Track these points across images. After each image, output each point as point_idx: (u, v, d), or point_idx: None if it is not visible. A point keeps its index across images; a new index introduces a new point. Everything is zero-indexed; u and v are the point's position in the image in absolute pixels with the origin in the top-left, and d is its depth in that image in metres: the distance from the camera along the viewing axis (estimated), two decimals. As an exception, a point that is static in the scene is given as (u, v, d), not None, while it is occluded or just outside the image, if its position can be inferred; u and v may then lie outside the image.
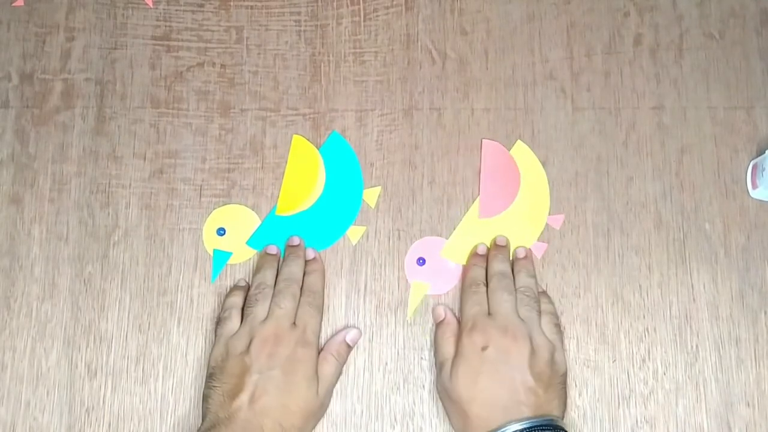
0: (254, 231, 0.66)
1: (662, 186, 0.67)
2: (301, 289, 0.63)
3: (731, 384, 0.63)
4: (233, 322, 0.61)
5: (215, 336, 0.62)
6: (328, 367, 0.61)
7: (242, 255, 0.66)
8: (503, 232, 0.66)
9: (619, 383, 0.63)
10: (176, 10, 0.71)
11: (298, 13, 0.71)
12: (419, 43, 0.70)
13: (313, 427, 0.61)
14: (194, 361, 0.64)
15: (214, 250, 0.66)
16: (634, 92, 0.69)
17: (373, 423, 0.63)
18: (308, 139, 0.68)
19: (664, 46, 0.69)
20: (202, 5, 0.71)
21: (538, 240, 0.66)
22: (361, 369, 0.64)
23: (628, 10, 0.70)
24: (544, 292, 0.64)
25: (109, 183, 0.67)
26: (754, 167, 0.66)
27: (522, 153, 0.67)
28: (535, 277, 0.64)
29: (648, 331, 0.64)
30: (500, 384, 0.57)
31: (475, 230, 0.66)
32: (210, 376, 0.59)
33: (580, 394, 0.63)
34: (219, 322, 0.62)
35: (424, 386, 0.63)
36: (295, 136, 0.68)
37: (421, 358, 0.64)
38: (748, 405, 0.62)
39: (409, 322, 0.64)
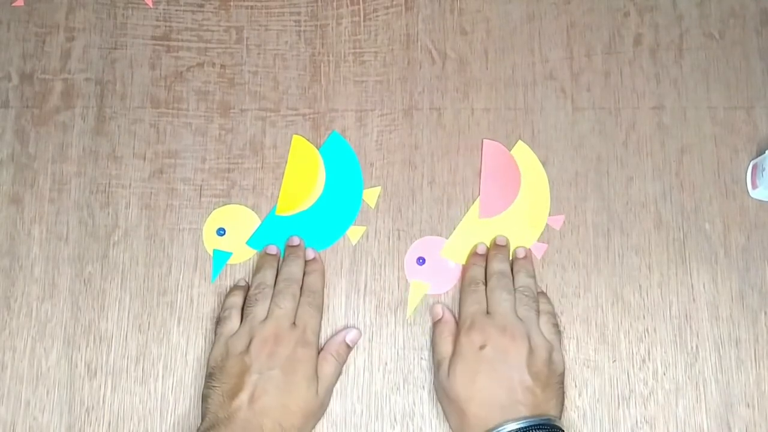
0: (254, 231, 0.66)
1: (662, 186, 0.67)
2: (301, 289, 0.63)
3: (731, 384, 0.63)
4: (233, 321, 0.61)
5: (215, 336, 0.62)
6: (327, 367, 0.61)
7: (242, 255, 0.66)
8: (503, 232, 0.66)
9: (619, 383, 0.63)
10: (176, 10, 0.71)
11: (298, 13, 0.71)
12: (419, 43, 0.70)
13: (313, 427, 0.61)
14: (194, 360, 0.64)
15: (214, 250, 0.66)
16: (634, 92, 0.69)
17: (373, 423, 0.63)
18: (308, 139, 0.68)
19: (664, 46, 0.69)
20: (202, 5, 0.71)
21: (538, 240, 0.66)
22: (361, 369, 0.64)
23: (628, 10, 0.70)
24: (543, 293, 0.64)
25: (109, 183, 0.67)
26: (754, 167, 0.66)
27: (523, 153, 0.67)
28: (534, 277, 0.64)
29: (648, 332, 0.64)
30: (498, 383, 0.57)
31: (475, 230, 0.66)
32: (209, 376, 0.59)
33: (580, 394, 0.63)
34: (219, 321, 0.62)
35: (424, 386, 0.63)
36: (294, 136, 0.68)
37: (421, 358, 0.64)
38: (748, 406, 0.62)
39: (408, 321, 0.64)
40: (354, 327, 0.64)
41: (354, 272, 0.65)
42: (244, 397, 0.57)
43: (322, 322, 0.64)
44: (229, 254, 0.66)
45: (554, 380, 0.59)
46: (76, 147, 0.68)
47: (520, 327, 0.59)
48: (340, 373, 0.62)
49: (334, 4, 0.71)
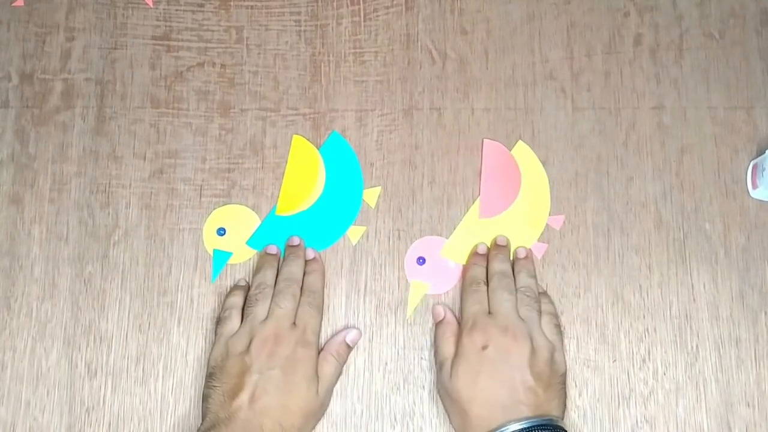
0: (254, 231, 0.66)
1: (662, 186, 0.67)
2: (301, 289, 0.63)
3: (731, 384, 0.63)
4: (233, 321, 0.61)
5: (215, 336, 0.62)
6: (328, 367, 0.61)
7: (242, 255, 0.66)
8: (503, 232, 0.66)
9: (619, 383, 0.63)
10: (176, 10, 0.71)
11: (298, 13, 0.71)
12: (419, 43, 0.70)
13: (313, 427, 0.61)
14: (194, 361, 0.64)
15: (214, 250, 0.66)
16: (634, 92, 0.69)
17: (373, 423, 0.63)
18: (308, 139, 0.68)
19: (664, 46, 0.69)
20: (202, 5, 0.71)
21: (539, 240, 0.66)
22: (361, 369, 0.64)
23: (628, 10, 0.70)
24: (545, 293, 0.64)
25: (109, 183, 0.67)
26: (754, 167, 0.66)
27: (523, 153, 0.67)
28: (535, 277, 0.64)
29: (648, 331, 0.64)
30: (500, 383, 0.57)
31: (475, 230, 0.66)
32: (210, 376, 0.59)
33: (580, 394, 0.63)
34: (219, 321, 0.62)
35: (424, 386, 0.63)
36: (295, 136, 0.68)
37: (421, 358, 0.64)
38: (748, 405, 0.62)
39: (409, 321, 0.64)
40: (354, 327, 0.64)
41: (354, 272, 0.65)
42: (244, 397, 0.57)
43: (322, 322, 0.64)
44: (229, 254, 0.66)
45: (556, 380, 0.59)
46: (76, 147, 0.68)
47: (522, 327, 0.59)
48: (340, 373, 0.62)
49: (335, 4, 0.71)
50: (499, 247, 0.65)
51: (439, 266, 0.66)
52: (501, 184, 0.67)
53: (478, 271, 0.64)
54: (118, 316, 0.64)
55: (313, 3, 0.71)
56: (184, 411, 0.63)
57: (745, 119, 0.68)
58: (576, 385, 0.63)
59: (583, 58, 0.69)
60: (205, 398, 0.58)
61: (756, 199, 0.66)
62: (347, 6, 0.71)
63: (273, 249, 0.65)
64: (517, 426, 0.55)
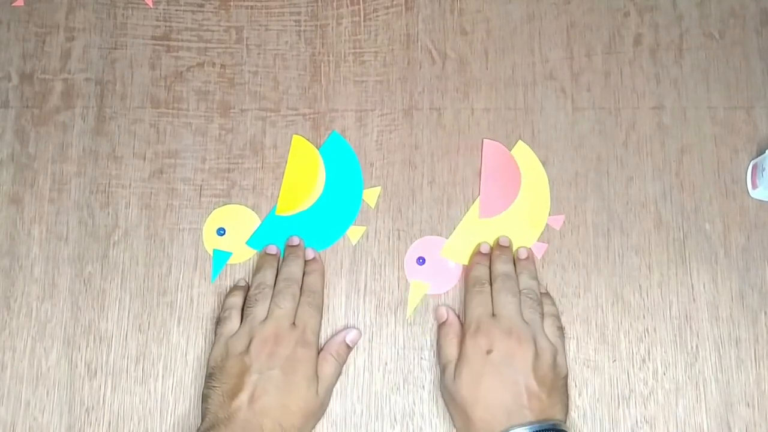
0: (254, 231, 0.66)
1: (662, 186, 0.67)
2: (301, 289, 0.63)
3: (731, 384, 0.63)
4: (233, 322, 0.61)
5: (215, 336, 0.62)
6: (327, 367, 0.61)
7: (242, 255, 0.66)
8: (503, 232, 0.66)
9: (619, 383, 0.63)
10: (176, 10, 0.71)
11: (298, 13, 0.71)
12: (419, 43, 0.70)
13: (313, 427, 0.61)
14: (194, 360, 0.64)
15: (214, 250, 0.66)
16: (634, 92, 0.69)
17: (373, 423, 0.63)
18: (308, 139, 0.68)
19: (664, 46, 0.69)
20: (202, 5, 0.71)
21: (539, 240, 0.66)
22: (361, 369, 0.64)
23: (628, 10, 0.70)
24: (547, 294, 0.64)
25: (109, 183, 0.67)
26: (754, 167, 0.66)
27: (523, 153, 0.67)
28: (537, 278, 0.64)
29: (648, 331, 0.64)
30: (504, 388, 0.57)
31: (475, 230, 0.66)
32: (209, 376, 0.59)
33: (580, 394, 0.63)
34: (219, 321, 0.62)
35: (424, 386, 0.63)
36: (295, 136, 0.68)
37: (421, 358, 0.64)
38: (748, 405, 0.62)
39: (409, 321, 0.64)
40: (354, 327, 0.64)
41: (354, 272, 0.65)
42: (244, 397, 0.57)
43: (322, 322, 0.64)
44: (229, 254, 0.66)
45: (559, 383, 0.58)
46: (76, 147, 0.68)
47: (526, 330, 0.59)
48: (340, 374, 0.62)
49: (334, 4, 0.71)
50: (502, 247, 0.65)
51: (439, 266, 0.66)
52: (501, 184, 0.67)
53: (482, 271, 0.63)
54: (118, 316, 0.64)
55: (313, 3, 0.71)
56: (184, 410, 0.63)
57: (745, 119, 0.68)
58: (576, 385, 0.63)
59: (583, 58, 0.69)
60: (205, 398, 0.58)
61: (756, 199, 0.66)
62: (347, 6, 0.71)
63: (273, 249, 0.65)
64: (521, 430, 0.55)
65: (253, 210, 0.67)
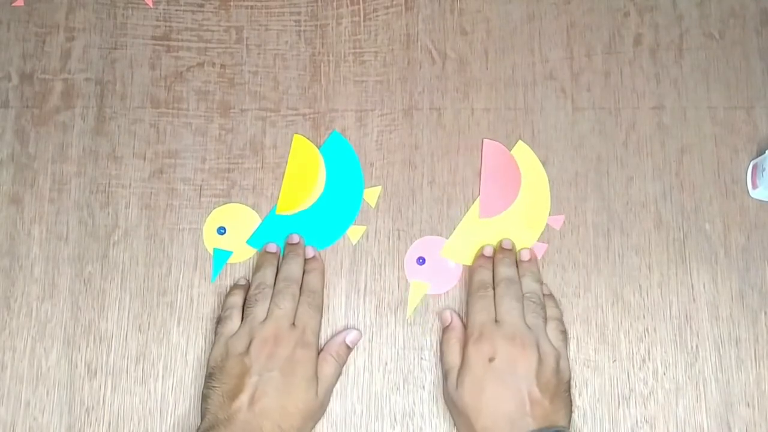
0: (255, 230, 0.66)
1: (662, 186, 0.67)
2: (301, 288, 0.63)
3: (731, 384, 0.63)
4: (233, 321, 0.61)
5: (215, 335, 0.62)
6: (327, 368, 0.60)
7: (242, 254, 0.66)
8: (503, 232, 0.66)
9: (619, 383, 0.63)
10: (176, 10, 0.71)
11: (298, 13, 0.71)
12: (419, 43, 0.70)
13: (312, 428, 0.61)
14: (194, 360, 0.64)
15: (215, 249, 0.66)
16: (634, 92, 0.69)
17: (373, 423, 0.63)
18: (308, 139, 0.68)
19: (664, 46, 0.69)
20: (202, 5, 0.71)
21: (539, 240, 0.66)
22: (361, 369, 0.64)
23: (628, 10, 0.70)
24: (551, 295, 0.64)
25: (109, 183, 0.67)
26: (754, 167, 0.66)
27: (523, 153, 0.67)
28: (540, 281, 0.63)
29: (648, 331, 0.64)
30: (507, 396, 0.56)
31: (475, 230, 0.66)
32: (209, 376, 0.59)
33: (580, 394, 0.63)
34: (219, 321, 0.62)
35: (424, 386, 0.63)
36: (295, 135, 0.68)
37: (421, 358, 0.64)
38: (748, 405, 0.62)
39: (409, 321, 0.64)
40: (354, 328, 0.64)
41: (354, 272, 0.65)
42: (244, 398, 0.57)
43: (322, 322, 0.64)
44: (229, 253, 0.66)
45: (562, 389, 0.58)
46: (76, 147, 0.68)
47: (529, 336, 0.58)
48: (340, 374, 0.62)
49: (334, 4, 0.71)
50: (504, 251, 0.65)
51: (439, 266, 0.66)
52: (501, 184, 0.67)
53: (485, 275, 0.63)
54: (118, 316, 0.64)
55: (313, 3, 0.71)
56: (184, 411, 0.63)
57: (745, 119, 0.68)
58: (576, 385, 0.63)
59: (583, 58, 0.69)
60: (205, 398, 0.58)
61: (756, 199, 0.66)
62: (347, 6, 0.71)
63: (272, 247, 0.65)
64: None
65: (253, 210, 0.67)
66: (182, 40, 0.70)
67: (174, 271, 0.65)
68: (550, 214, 0.66)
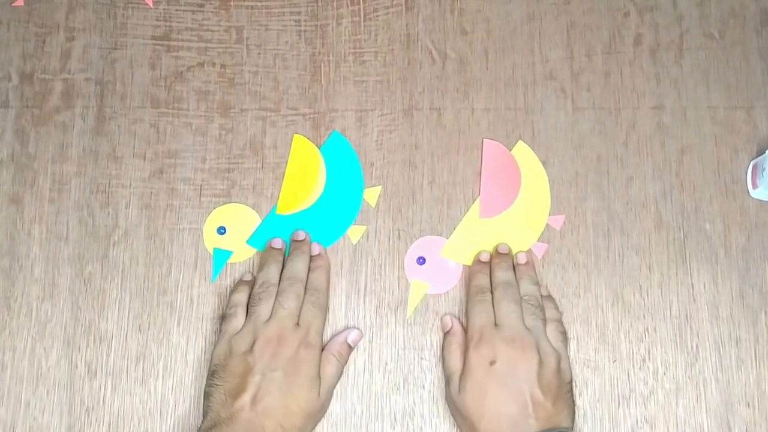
0: (255, 230, 0.66)
1: (662, 186, 0.67)
2: (305, 286, 0.62)
3: (731, 384, 0.63)
4: (238, 319, 0.61)
5: (219, 332, 0.62)
6: (329, 368, 0.60)
7: (243, 254, 0.66)
8: (503, 232, 0.66)
9: (619, 383, 0.63)
10: (176, 10, 0.71)
11: (298, 13, 0.71)
12: (419, 43, 0.70)
13: (313, 428, 0.61)
14: (194, 360, 0.64)
15: (215, 248, 0.66)
16: (634, 92, 0.69)
17: (373, 423, 0.63)
18: (308, 139, 0.68)
19: (664, 46, 0.69)
20: (202, 5, 0.71)
21: (539, 240, 0.66)
22: (361, 369, 0.64)
23: (628, 10, 0.70)
24: (549, 297, 0.64)
25: (109, 183, 0.67)
26: (754, 167, 0.66)
27: (523, 153, 0.67)
28: (538, 283, 0.64)
29: (648, 331, 0.64)
30: (509, 399, 0.56)
31: (475, 230, 0.66)
32: (212, 374, 0.59)
33: (580, 394, 0.63)
34: (224, 318, 0.62)
35: (424, 386, 0.63)
36: (296, 135, 0.68)
37: (421, 358, 0.64)
38: (748, 405, 0.62)
39: (409, 322, 0.64)
40: (355, 327, 0.64)
41: (354, 272, 0.65)
42: (246, 397, 0.57)
43: (322, 322, 0.64)
44: (229, 253, 0.66)
45: (564, 390, 0.58)
46: (76, 147, 0.68)
47: (528, 338, 0.58)
48: (341, 374, 0.62)
49: (334, 4, 0.71)
50: (501, 255, 0.65)
51: (439, 266, 0.66)
52: (501, 184, 0.67)
53: (483, 280, 0.63)
54: (118, 316, 0.64)
55: (313, 3, 0.71)
56: (184, 411, 0.63)
57: (745, 119, 0.68)
58: (576, 385, 0.63)
59: (583, 58, 0.69)
60: (207, 396, 0.58)
61: (756, 199, 0.66)
62: (347, 6, 0.71)
63: (278, 243, 0.65)
64: None
65: (253, 209, 0.67)
66: (182, 40, 0.70)
67: (174, 271, 0.65)
68: (550, 214, 0.66)
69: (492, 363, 0.58)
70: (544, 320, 0.61)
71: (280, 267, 0.64)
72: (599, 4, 0.70)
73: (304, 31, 0.70)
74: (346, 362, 0.63)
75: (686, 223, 0.66)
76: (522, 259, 0.64)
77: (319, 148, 0.68)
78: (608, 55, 0.69)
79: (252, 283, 0.63)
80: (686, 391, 0.63)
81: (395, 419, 0.63)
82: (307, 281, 0.63)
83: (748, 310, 0.64)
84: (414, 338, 0.64)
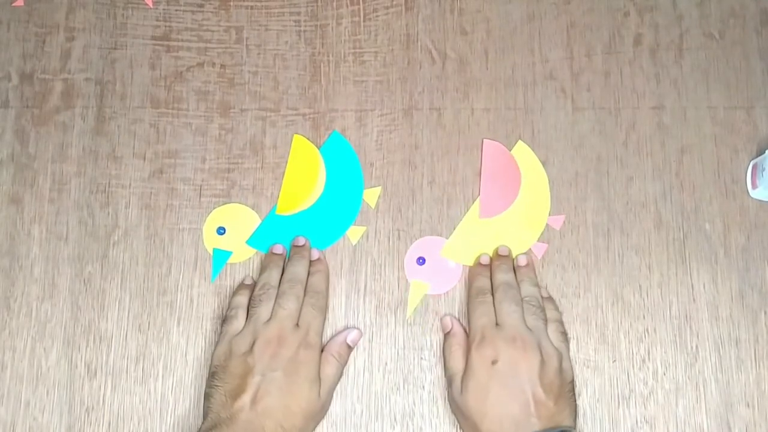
0: (254, 230, 0.66)
1: (662, 186, 0.67)
2: (305, 289, 0.63)
3: (731, 384, 0.63)
4: (239, 320, 0.61)
5: (220, 333, 0.62)
6: (329, 368, 0.61)
7: (242, 254, 0.66)
8: (503, 233, 0.66)
9: (619, 383, 0.63)
10: (176, 10, 0.71)
11: (298, 13, 0.71)
12: (419, 43, 0.70)
13: (314, 429, 0.61)
14: (194, 360, 0.64)
15: (214, 249, 0.66)
16: (634, 92, 0.69)
17: (373, 423, 0.63)
18: (308, 140, 0.68)
19: (664, 46, 0.69)
20: (202, 5, 0.71)
21: (539, 240, 0.66)
22: (361, 369, 0.64)
23: (628, 10, 0.70)
24: (550, 298, 0.64)
25: (109, 183, 0.67)
26: (754, 167, 0.66)
27: (523, 153, 0.67)
28: (538, 285, 0.64)
29: (648, 332, 0.64)
30: (511, 398, 0.56)
31: (475, 230, 0.66)
32: (212, 375, 0.59)
33: (580, 395, 0.63)
34: (225, 320, 0.62)
35: (424, 386, 0.63)
36: (295, 135, 0.68)
37: (421, 358, 0.64)
38: (748, 405, 0.62)
39: (409, 322, 0.64)
40: (355, 327, 0.64)
41: (354, 272, 0.65)
42: (246, 398, 0.57)
43: (322, 322, 0.64)
44: (229, 253, 0.66)
45: (566, 389, 0.58)
46: (76, 147, 0.68)
47: (530, 338, 0.58)
48: (341, 374, 0.62)
49: (334, 4, 0.71)
50: (501, 257, 0.65)
51: (439, 266, 0.66)
52: (501, 184, 0.67)
53: (483, 282, 0.63)
54: (118, 316, 0.64)
55: (313, 3, 0.71)
56: (184, 411, 0.63)
57: (745, 119, 0.68)
58: (576, 385, 0.63)
59: (583, 58, 0.69)
60: (207, 397, 0.58)
61: (756, 199, 0.66)
62: (347, 6, 0.71)
63: (279, 248, 0.65)
64: None
65: (253, 210, 0.67)
66: (182, 40, 0.70)
67: (174, 271, 0.65)
68: (550, 214, 0.66)
69: (494, 363, 0.58)
70: (546, 320, 0.61)
71: (281, 271, 0.64)
72: (599, 4, 0.70)
73: (304, 31, 0.70)
74: (346, 362, 0.63)
75: (686, 223, 0.66)
76: (522, 261, 0.64)
77: (318, 149, 0.68)
78: (608, 55, 0.69)
79: (253, 287, 0.63)
80: (686, 392, 0.63)
81: (395, 419, 0.63)
82: (306, 284, 0.63)
83: (747, 310, 0.64)
84: (414, 338, 0.64)
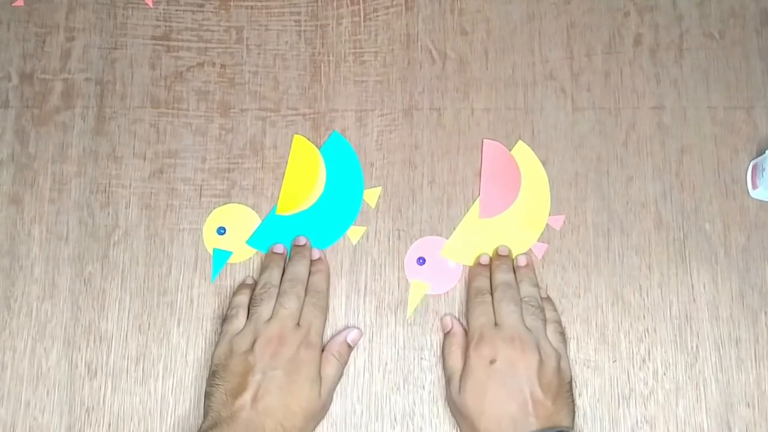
0: (255, 230, 0.66)
1: (662, 186, 0.67)
2: (306, 289, 0.63)
3: (731, 384, 0.63)
4: (239, 320, 0.61)
5: (221, 332, 0.62)
6: (330, 368, 0.61)
7: (242, 254, 0.66)
8: (503, 233, 0.66)
9: (619, 383, 0.63)
10: (176, 10, 0.71)
11: (298, 13, 0.71)
12: (419, 43, 0.70)
13: (314, 428, 0.61)
14: (194, 361, 0.64)
15: (214, 249, 0.66)
16: (634, 92, 0.69)
17: (373, 423, 0.63)
18: (308, 140, 0.68)
19: (664, 46, 0.69)
20: (202, 5, 0.71)
21: (539, 240, 0.66)
22: (361, 369, 0.64)
23: (628, 10, 0.70)
24: (549, 299, 0.64)
25: (109, 183, 0.67)
26: (754, 167, 0.66)
27: (523, 153, 0.67)
28: (537, 285, 0.64)
29: (648, 331, 0.64)
30: (509, 398, 0.57)
31: (475, 230, 0.66)
32: (213, 374, 0.59)
33: (580, 394, 0.63)
34: (226, 319, 0.62)
35: (424, 386, 0.63)
36: (296, 135, 0.68)
37: (421, 358, 0.64)
38: (748, 405, 0.62)
39: (409, 322, 0.64)
40: (355, 327, 0.64)
41: (354, 272, 0.65)
42: (247, 397, 0.57)
43: (322, 322, 0.64)
44: (229, 253, 0.66)
45: (564, 389, 0.58)
46: (76, 147, 0.68)
47: (529, 338, 0.59)
48: (342, 374, 0.62)
49: (334, 4, 0.71)
50: (501, 257, 0.65)
51: (439, 266, 0.66)
52: (501, 184, 0.67)
53: (483, 282, 0.63)
54: (118, 316, 0.64)
55: (313, 3, 0.71)
56: (184, 411, 0.63)
57: (745, 119, 0.68)
58: (576, 385, 0.63)
59: (583, 58, 0.69)
60: (208, 396, 0.58)
61: (756, 199, 0.66)
62: (347, 6, 0.71)
63: (279, 248, 0.65)
64: None
65: (253, 210, 0.67)
66: (182, 40, 0.70)
67: (174, 271, 0.65)
68: (550, 214, 0.66)
69: (492, 362, 0.58)
70: (544, 321, 0.61)
71: (282, 270, 0.64)
72: (599, 4, 0.70)
73: (304, 31, 0.70)
74: (346, 362, 0.63)
75: (686, 223, 0.66)
76: (522, 261, 0.65)
77: (319, 149, 0.68)
78: (608, 55, 0.69)
79: (253, 287, 0.63)
80: (686, 392, 0.63)
81: (395, 419, 0.63)
82: (307, 284, 0.63)
83: (748, 310, 0.64)
84: (414, 338, 0.64)
